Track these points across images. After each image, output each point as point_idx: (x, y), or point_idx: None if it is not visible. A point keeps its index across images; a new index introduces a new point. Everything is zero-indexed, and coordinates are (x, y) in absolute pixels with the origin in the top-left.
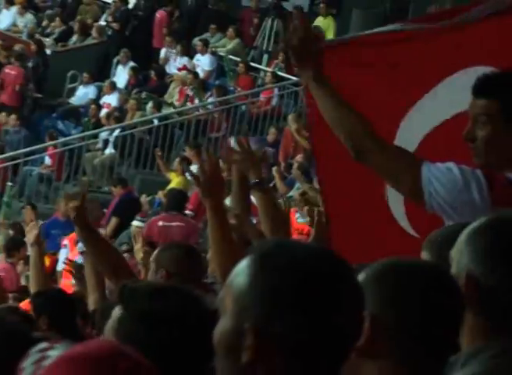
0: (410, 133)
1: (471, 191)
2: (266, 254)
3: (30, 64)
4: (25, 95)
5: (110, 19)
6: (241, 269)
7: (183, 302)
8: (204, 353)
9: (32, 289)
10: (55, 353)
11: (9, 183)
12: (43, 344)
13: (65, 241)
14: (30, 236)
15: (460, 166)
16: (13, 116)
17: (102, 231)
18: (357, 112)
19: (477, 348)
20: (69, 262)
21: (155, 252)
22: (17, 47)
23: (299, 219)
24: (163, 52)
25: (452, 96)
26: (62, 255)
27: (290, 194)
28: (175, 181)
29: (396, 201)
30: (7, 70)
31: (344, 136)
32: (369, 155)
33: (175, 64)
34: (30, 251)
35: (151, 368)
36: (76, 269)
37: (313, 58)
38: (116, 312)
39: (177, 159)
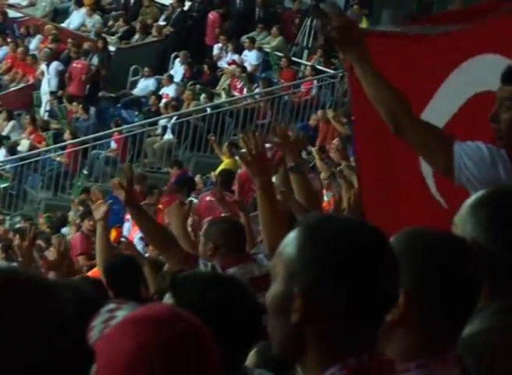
0: (437, 113)
1: (498, 168)
2: (312, 227)
3: (96, 59)
4: (92, 87)
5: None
6: (290, 240)
7: (230, 292)
8: (248, 337)
9: (98, 260)
10: (122, 313)
11: (85, 172)
12: (111, 305)
13: (128, 216)
14: (98, 212)
15: (487, 144)
16: (82, 105)
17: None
18: (397, 91)
19: (479, 307)
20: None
21: (205, 227)
22: (86, 45)
23: (324, 197)
24: (216, 49)
25: (477, 73)
26: (126, 228)
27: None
28: (225, 163)
29: (429, 175)
30: (74, 64)
31: (386, 112)
32: (407, 130)
33: (225, 59)
34: (98, 226)
35: (207, 331)
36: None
37: (355, 42)
38: (167, 298)
39: (226, 143)
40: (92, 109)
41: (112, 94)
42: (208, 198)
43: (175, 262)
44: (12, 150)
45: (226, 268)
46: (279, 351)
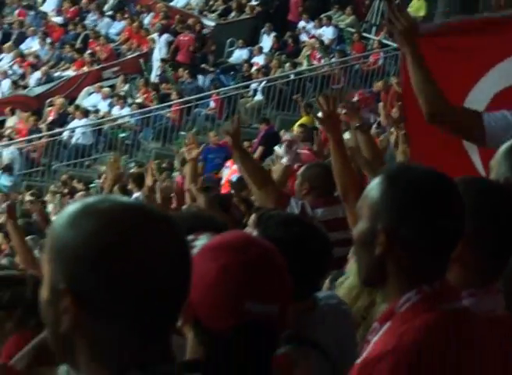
0: (482, 93)
1: None
2: (393, 174)
3: (198, 33)
4: (195, 56)
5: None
6: (374, 185)
7: (306, 231)
8: (322, 268)
9: (187, 182)
10: (200, 243)
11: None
12: (190, 236)
13: (228, 163)
14: (190, 154)
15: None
16: (187, 71)
17: None
18: (436, 84)
19: None
20: None
21: (302, 169)
22: (190, 20)
23: None
24: (299, 25)
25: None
26: (224, 173)
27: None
28: (302, 119)
29: (474, 152)
30: (181, 37)
31: (423, 101)
32: (444, 116)
33: (307, 33)
34: (188, 165)
35: (279, 256)
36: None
37: (411, 39)
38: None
39: (303, 103)
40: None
41: (212, 62)
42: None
43: (271, 200)
44: (128, 107)
45: (315, 208)
46: (364, 279)
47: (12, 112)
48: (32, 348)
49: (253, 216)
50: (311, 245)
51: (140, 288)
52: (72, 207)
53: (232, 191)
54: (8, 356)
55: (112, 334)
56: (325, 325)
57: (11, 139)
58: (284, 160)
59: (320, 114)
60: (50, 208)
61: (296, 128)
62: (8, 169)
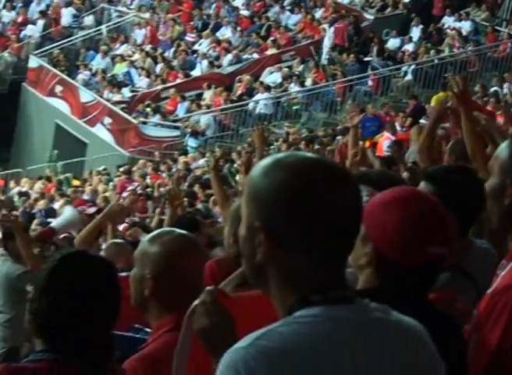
0: None
1: None
2: None
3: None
4: (353, 41)
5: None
6: (504, 147)
7: (471, 185)
8: (476, 214)
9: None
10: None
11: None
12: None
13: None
14: (352, 121)
15: None
16: (352, 55)
17: None
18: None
19: None
20: None
21: (450, 143)
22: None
23: None
24: (442, 19)
25: None
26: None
27: None
28: (440, 95)
29: None
30: (336, 25)
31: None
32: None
33: (448, 26)
34: (350, 131)
35: (447, 214)
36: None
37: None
38: (422, 185)
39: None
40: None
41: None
42: None
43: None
44: (302, 84)
45: None
46: (496, 225)
47: (209, 87)
48: (238, 274)
49: (405, 173)
50: (472, 191)
51: (322, 228)
52: (265, 160)
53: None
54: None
55: (299, 265)
56: (479, 262)
57: (208, 108)
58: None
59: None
60: (236, 164)
61: (432, 101)
62: (194, 133)
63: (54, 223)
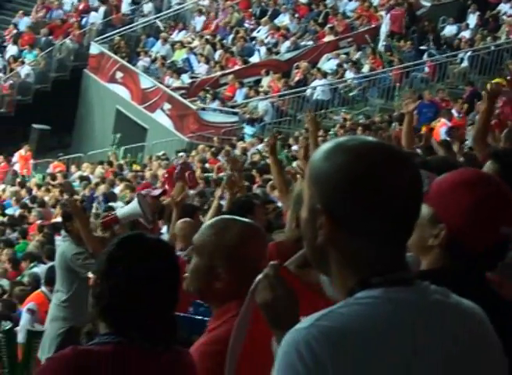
0: None
1: None
2: None
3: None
4: (409, 28)
5: None
6: None
7: None
8: None
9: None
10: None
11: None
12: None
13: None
14: (407, 107)
15: None
16: (409, 42)
17: None
18: None
19: None
20: None
21: (506, 130)
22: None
23: None
24: (500, 6)
25: None
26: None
27: None
28: (495, 80)
29: None
30: (393, 12)
31: None
32: None
33: (505, 13)
34: (405, 117)
35: (508, 189)
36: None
37: None
38: (487, 165)
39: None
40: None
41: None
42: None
43: None
44: (358, 70)
45: None
46: None
47: (267, 73)
48: (299, 257)
49: (462, 159)
50: None
51: (383, 210)
52: (327, 144)
53: None
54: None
55: (359, 247)
56: None
57: (265, 94)
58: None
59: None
60: (294, 148)
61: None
62: (251, 121)
63: (118, 211)
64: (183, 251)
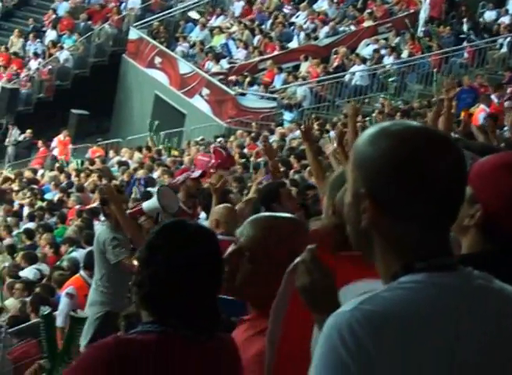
0: None
1: None
2: None
3: None
4: (448, 13)
5: None
6: None
7: None
8: None
9: None
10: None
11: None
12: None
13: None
14: (449, 93)
15: None
16: (448, 27)
17: None
18: None
19: None
20: None
21: None
22: None
23: None
24: None
25: None
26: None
27: None
28: None
29: None
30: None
31: None
32: None
33: None
34: (444, 103)
35: None
36: None
37: None
38: None
39: None
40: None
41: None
42: None
43: None
44: (398, 56)
45: None
46: None
47: (305, 59)
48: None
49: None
50: None
51: (426, 195)
52: (371, 129)
53: None
54: None
55: (403, 231)
56: None
57: (304, 80)
58: None
59: None
60: (330, 134)
61: None
62: (289, 106)
63: (144, 203)
64: (222, 234)
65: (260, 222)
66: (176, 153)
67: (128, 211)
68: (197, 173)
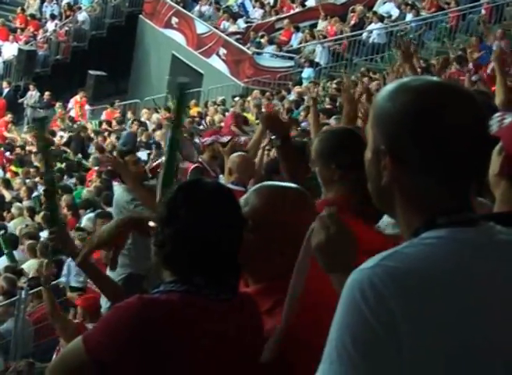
0: None
1: None
2: None
3: None
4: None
5: None
6: None
7: None
8: None
9: None
10: (508, 120)
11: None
12: (499, 113)
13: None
14: (472, 54)
15: None
16: None
17: None
18: None
19: None
20: None
21: None
22: None
23: None
24: None
25: None
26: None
27: None
28: None
29: None
30: None
31: None
32: None
33: None
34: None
35: None
36: None
37: None
38: None
39: None
40: None
41: None
42: None
43: None
44: (417, 13)
45: None
46: None
47: (325, 17)
48: None
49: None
50: None
51: (446, 149)
52: (390, 85)
53: None
54: None
55: (424, 186)
56: None
57: (324, 37)
58: None
59: None
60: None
61: None
62: (310, 63)
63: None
64: (233, 184)
65: (264, 191)
66: (194, 113)
67: (149, 167)
68: (225, 139)
